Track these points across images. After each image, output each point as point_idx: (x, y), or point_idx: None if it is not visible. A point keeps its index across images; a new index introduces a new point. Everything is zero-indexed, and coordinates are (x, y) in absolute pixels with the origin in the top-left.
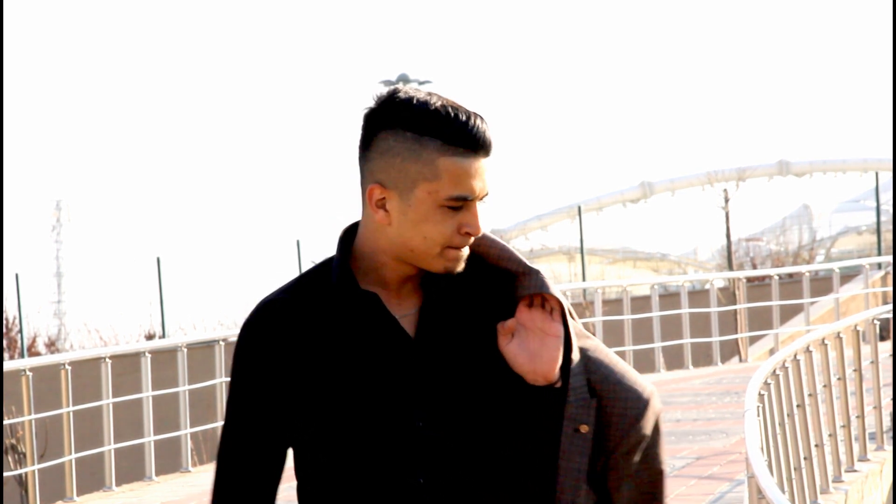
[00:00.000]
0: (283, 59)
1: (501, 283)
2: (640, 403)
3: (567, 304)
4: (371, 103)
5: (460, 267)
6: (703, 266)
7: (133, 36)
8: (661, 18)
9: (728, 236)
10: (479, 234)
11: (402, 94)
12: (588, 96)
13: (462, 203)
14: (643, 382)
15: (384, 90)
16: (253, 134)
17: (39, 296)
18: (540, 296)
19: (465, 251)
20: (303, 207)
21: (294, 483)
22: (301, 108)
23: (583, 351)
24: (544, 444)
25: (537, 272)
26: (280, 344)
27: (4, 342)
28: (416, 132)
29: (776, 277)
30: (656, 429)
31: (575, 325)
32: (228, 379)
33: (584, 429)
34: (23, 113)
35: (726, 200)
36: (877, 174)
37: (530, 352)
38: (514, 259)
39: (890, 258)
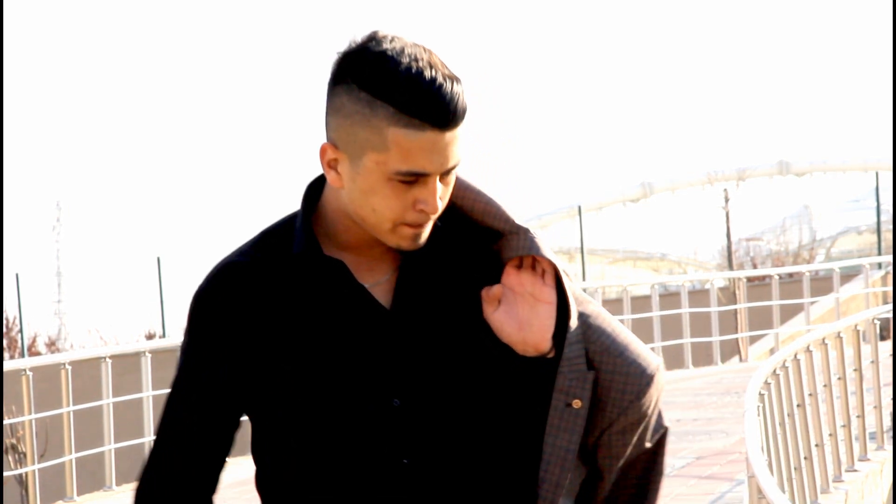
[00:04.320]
0: (283, 59)
1: (488, 242)
2: (643, 379)
3: (561, 266)
4: (343, 47)
5: (418, 244)
6: (703, 266)
7: (132, 36)
8: (662, 19)
9: (728, 236)
10: (437, 212)
11: (372, 46)
12: (588, 96)
13: (416, 178)
14: (648, 355)
15: (362, 35)
16: (253, 134)
17: (39, 296)
18: (530, 257)
19: (427, 227)
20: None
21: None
22: (301, 109)
23: (582, 318)
24: (534, 420)
25: (527, 231)
26: (238, 314)
27: (4, 342)
28: (370, 93)
29: (776, 277)
30: (656, 405)
31: (572, 288)
32: None
33: (577, 404)
34: (23, 113)
35: (726, 200)
36: (877, 174)
37: (519, 320)
38: (501, 216)
39: (890, 258)
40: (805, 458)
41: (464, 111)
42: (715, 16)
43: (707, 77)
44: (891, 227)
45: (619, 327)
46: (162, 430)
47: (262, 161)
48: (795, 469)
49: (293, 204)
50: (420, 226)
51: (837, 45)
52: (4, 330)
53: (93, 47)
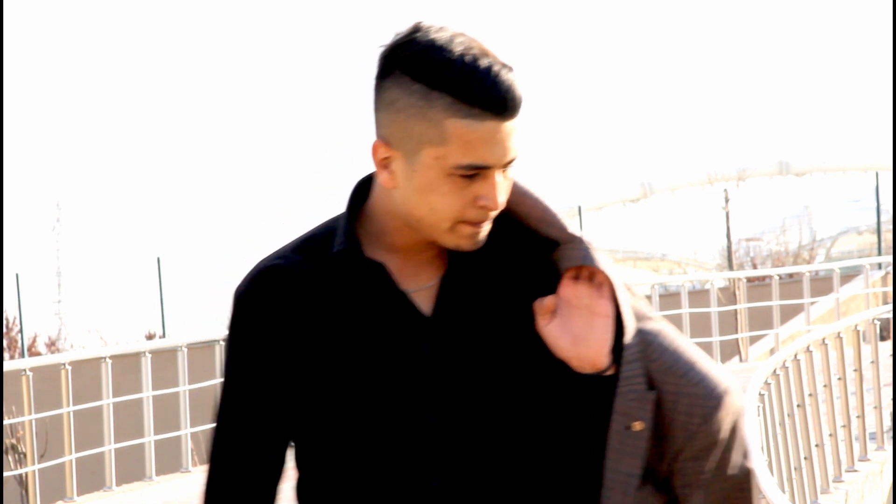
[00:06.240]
0: (284, 59)
1: (544, 250)
2: (710, 401)
3: (620, 279)
4: (388, 41)
5: (477, 243)
6: (703, 266)
7: (132, 36)
8: (662, 19)
9: (728, 236)
10: (499, 208)
11: (420, 36)
12: (588, 96)
13: (477, 171)
14: (717, 375)
15: (406, 27)
16: (253, 134)
17: (39, 296)
18: (588, 268)
19: (486, 226)
20: (302, 208)
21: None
22: (301, 109)
23: (642, 334)
24: (591, 443)
25: (581, 240)
26: (278, 319)
27: (4, 342)
28: (425, 85)
29: (776, 277)
30: (734, 430)
31: (633, 302)
32: None
33: (637, 426)
34: (23, 113)
35: (726, 200)
36: (877, 174)
37: (574, 334)
38: (556, 223)
39: (890, 258)
40: (805, 458)
41: (521, 99)
42: (715, 16)
43: (707, 77)
44: (891, 227)
45: (684, 345)
46: (219, 444)
47: (261, 162)
48: (795, 469)
49: (294, 204)
50: (480, 223)
51: (837, 46)
52: (4, 330)
53: (93, 47)
